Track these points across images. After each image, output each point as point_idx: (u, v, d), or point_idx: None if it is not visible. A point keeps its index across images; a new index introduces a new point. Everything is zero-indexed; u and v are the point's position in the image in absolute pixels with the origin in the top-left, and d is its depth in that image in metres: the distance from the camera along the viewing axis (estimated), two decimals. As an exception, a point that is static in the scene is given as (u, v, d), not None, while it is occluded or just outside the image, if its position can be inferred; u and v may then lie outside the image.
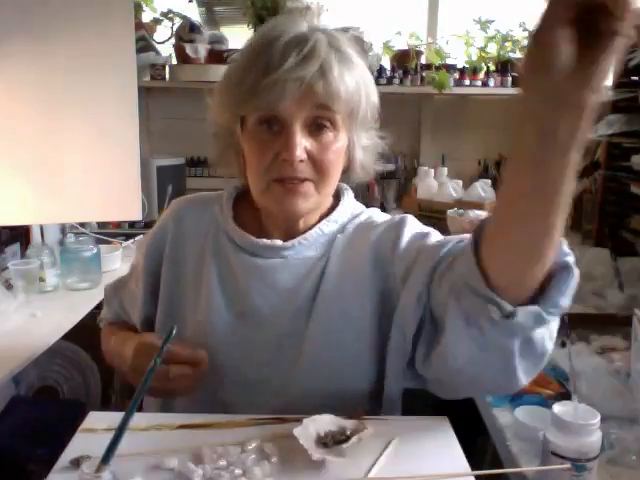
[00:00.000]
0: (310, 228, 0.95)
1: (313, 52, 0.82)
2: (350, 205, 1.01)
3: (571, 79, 0.52)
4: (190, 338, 0.91)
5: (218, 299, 0.94)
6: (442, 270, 0.78)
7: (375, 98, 0.92)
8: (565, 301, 0.68)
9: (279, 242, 0.94)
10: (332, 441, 0.75)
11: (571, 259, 0.69)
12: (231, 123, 0.91)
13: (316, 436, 0.76)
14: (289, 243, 0.94)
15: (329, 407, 0.88)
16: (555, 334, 0.73)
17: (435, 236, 0.89)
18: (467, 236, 0.77)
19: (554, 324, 0.72)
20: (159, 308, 0.98)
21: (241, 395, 0.92)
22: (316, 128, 0.86)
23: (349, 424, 0.78)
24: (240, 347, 0.93)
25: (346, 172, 0.96)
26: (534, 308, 0.66)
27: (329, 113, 0.85)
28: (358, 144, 0.93)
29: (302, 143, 0.84)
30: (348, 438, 0.75)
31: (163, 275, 0.98)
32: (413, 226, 0.93)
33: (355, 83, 0.86)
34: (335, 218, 0.97)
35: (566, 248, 0.69)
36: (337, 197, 1.01)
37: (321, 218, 0.97)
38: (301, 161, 0.85)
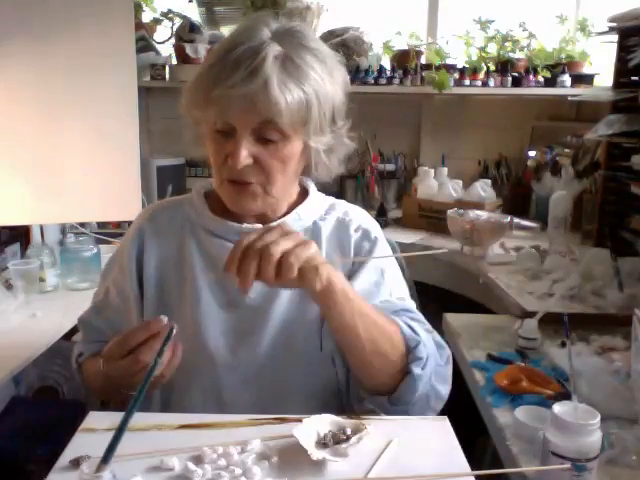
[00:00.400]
0: (283, 215, 1.00)
1: (259, 68, 0.84)
2: (318, 195, 1.07)
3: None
4: (181, 333, 0.91)
5: (205, 292, 0.97)
6: None
7: (336, 101, 0.93)
8: (407, 398, 0.90)
9: (260, 226, 0.97)
10: (332, 441, 0.75)
11: (417, 369, 0.89)
12: (198, 119, 0.94)
13: (316, 436, 0.76)
14: (270, 226, 0.97)
15: (321, 398, 0.92)
16: (437, 407, 0.95)
17: (386, 286, 1.00)
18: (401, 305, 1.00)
19: (433, 401, 0.94)
20: (146, 310, 0.99)
21: (237, 385, 0.94)
22: (265, 139, 0.89)
23: (349, 424, 0.78)
24: (231, 336, 0.95)
25: (308, 171, 1.00)
26: (380, 398, 0.91)
27: (275, 126, 0.88)
28: (316, 147, 0.95)
29: (247, 151, 0.88)
30: (348, 438, 0.75)
31: (146, 275, 1.00)
32: (379, 250, 1.04)
33: (303, 94, 0.88)
34: (310, 205, 1.03)
35: (420, 354, 0.89)
36: (302, 187, 1.07)
37: (291, 207, 1.02)
38: (247, 166, 0.89)
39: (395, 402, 0.90)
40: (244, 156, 0.88)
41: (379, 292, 0.99)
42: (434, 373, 0.93)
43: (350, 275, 0.99)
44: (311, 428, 0.77)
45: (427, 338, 0.94)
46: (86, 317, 1.09)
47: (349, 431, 0.77)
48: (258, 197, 0.94)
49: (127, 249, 1.02)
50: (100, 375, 0.92)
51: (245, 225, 0.98)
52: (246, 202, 0.94)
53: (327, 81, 0.91)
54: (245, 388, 0.94)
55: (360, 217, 1.07)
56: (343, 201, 1.10)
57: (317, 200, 1.06)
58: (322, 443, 0.75)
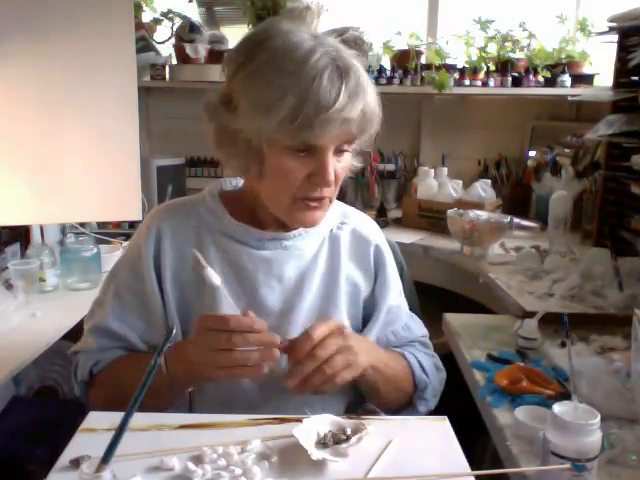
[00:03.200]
0: None
1: (358, 88, 0.85)
2: (335, 202, 1.06)
3: None
4: None
5: (226, 297, 0.95)
6: None
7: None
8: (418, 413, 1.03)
9: (282, 233, 0.98)
10: (332, 441, 0.75)
11: (421, 407, 1.04)
12: (257, 136, 0.88)
13: (316, 436, 0.76)
14: (291, 234, 0.99)
15: (335, 402, 0.92)
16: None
17: (404, 304, 1.13)
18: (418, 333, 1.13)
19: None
20: (168, 313, 0.97)
21: (255, 388, 0.94)
22: (339, 152, 0.90)
23: (349, 424, 0.78)
24: None
25: None
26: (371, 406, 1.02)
27: (353, 141, 0.90)
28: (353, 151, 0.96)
29: (333, 168, 0.88)
30: (348, 438, 0.75)
31: (164, 277, 0.97)
32: (395, 271, 1.12)
33: (379, 108, 0.89)
34: (327, 213, 1.01)
35: (426, 395, 1.04)
36: None
37: None
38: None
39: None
40: (332, 174, 0.88)
41: (401, 312, 1.10)
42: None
43: (378, 294, 1.06)
44: (311, 428, 0.77)
45: (432, 373, 1.07)
46: (103, 323, 1.01)
47: (349, 431, 0.77)
48: (326, 209, 0.95)
49: (143, 252, 0.98)
50: (134, 369, 0.90)
51: (268, 232, 0.98)
52: (317, 217, 0.94)
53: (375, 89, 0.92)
54: (264, 392, 0.94)
55: (373, 231, 1.11)
56: (352, 208, 1.12)
57: (332, 205, 1.03)
58: (322, 443, 0.75)
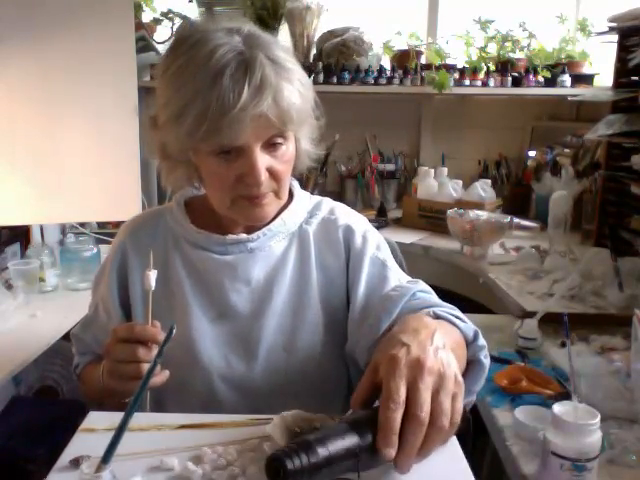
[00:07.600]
0: (272, 220, 0.98)
1: (264, 82, 0.81)
2: (303, 195, 1.04)
3: None
4: (173, 347, 0.90)
5: (194, 306, 0.95)
6: None
7: (312, 92, 0.91)
8: (476, 387, 0.81)
9: (244, 235, 0.97)
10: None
11: (483, 356, 0.81)
12: (179, 146, 0.88)
13: (288, 432, 0.76)
14: (254, 235, 0.97)
15: (312, 403, 0.91)
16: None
17: (392, 272, 0.97)
18: (415, 287, 0.92)
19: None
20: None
21: (233, 394, 0.93)
22: (271, 146, 0.87)
23: (317, 418, 0.78)
24: (225, 348, 0.94)
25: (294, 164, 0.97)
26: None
27: (282, 133, 0.87)
28: (302, 138, 0.94)
29: (263, 166, 0.86)
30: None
31: (133, 294, 0.98)
32: (371, 243, 1.00)
33: (300, 95, 0.86)
34: (294, 209, 1.00)
35: (482, 341, 0.82)
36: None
37: (280, 209, 0.99)
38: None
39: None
40: (263, 172, 0.86)
41: (387, 281, 0.96)
42: None
43: (351, 276, 0.97)
44: (283, 424, 0.77)
45: (464, 317, 0.88)
46: (75, 331, 1.09)
47: (318, 425, 0.77)
48: (272, 204, 0.92)
49: (109, 268, 1.01)
50: (96, 380, 0.91)
51: (229, 236, 0.96)
52: (263, 213, 0.92)
53: (300, 68, 0.89)
54: (243, 398, 0.93)
55: (345, 214, 1.04)
56: (328, 199, 1.07)
57: (302, 201, 1.03)
58: (293, 438, 0.75)
